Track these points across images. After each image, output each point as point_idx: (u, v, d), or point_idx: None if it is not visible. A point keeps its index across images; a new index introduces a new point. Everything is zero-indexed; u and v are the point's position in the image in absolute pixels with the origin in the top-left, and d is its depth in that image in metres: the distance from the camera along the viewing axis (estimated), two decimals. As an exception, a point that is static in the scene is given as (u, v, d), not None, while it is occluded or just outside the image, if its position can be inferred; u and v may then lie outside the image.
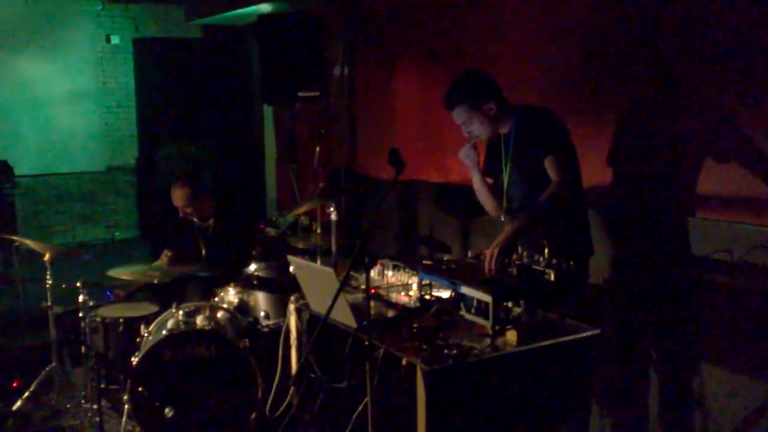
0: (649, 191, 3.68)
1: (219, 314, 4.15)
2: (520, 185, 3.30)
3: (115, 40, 9.32)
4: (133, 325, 4.17)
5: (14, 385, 4.56)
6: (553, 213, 3.06)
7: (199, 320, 3.99)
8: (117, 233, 9.65)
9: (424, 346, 2.63)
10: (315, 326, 3.18)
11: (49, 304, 4.32)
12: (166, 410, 3.62)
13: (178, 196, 4.71)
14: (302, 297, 3.35)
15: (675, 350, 3.56)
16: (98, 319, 4.19)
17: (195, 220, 4.80)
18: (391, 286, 3.23)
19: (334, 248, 3.97)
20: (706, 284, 3.36)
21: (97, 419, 3.77)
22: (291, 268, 3.68)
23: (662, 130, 3.59)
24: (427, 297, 3.02)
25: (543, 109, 3.30)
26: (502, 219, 3.40)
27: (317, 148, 6.04)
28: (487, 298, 2.68)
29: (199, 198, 4.74)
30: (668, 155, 3.56)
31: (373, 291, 3.05)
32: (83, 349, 4.11)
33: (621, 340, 3.75)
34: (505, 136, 3.33)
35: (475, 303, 2.76)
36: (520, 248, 2.92)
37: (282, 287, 4.24)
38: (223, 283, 4.40)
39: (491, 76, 3.32)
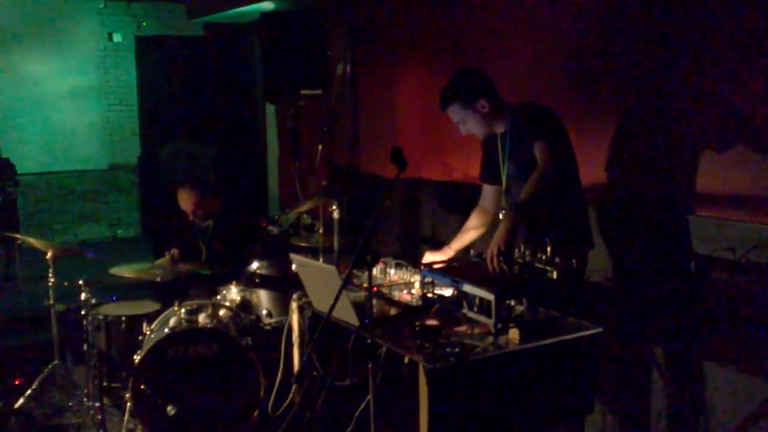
0: (649, 189, 3.67)
1: (221, 312, 4.15)
2: (518, 182, 3.29)
3: (117, 38, 9.33)
4: (135, 322, 4.17)
5: (16, 383, 4.57)
6: (543, 198, 3.05)
7: (201, 318, 3.99)
8: (119, 231, 9.66)
9: (427, 345, 2.62)
10: (317, 324, 3.17)
11: (51, 302, 4.32)
12: (168, 408, 3.61)
13: (186, 200, 4.71)
14: (304, 295, 3.35)
15: (678, 349, 3.55)
16: (100, 317, 4.20)
17: (197, 221, 4.80)
18: (393, 284, 3.23)
19: (336, 246, 3.96)
20: (709, 283, 3.35)
21: (99, 417, 3.77)
22: (293, 266, 3.68)
23: (661, 127, 3.59)
24: (430, 295, 3.01)
25: (536, 104, 3.33)
26: (501, 217, 3.39)
27: (319, 147, 6.04)
28: (489, 296, 2.67)
29: (206, 201, 4.75)
30: (667, 153, 3.56)
31: (375, 289, 3.05)
32: (85, 347, 4.11)
33: (623, 339, 3.74)
34: (502, 136, 3.36)
35: (477, 301, 2.76)
36: (522, 246, 2.91)
37: (284, 285, 4.23)
38: (226, 281, 4.40)
39: (483, 74, 3.34)
